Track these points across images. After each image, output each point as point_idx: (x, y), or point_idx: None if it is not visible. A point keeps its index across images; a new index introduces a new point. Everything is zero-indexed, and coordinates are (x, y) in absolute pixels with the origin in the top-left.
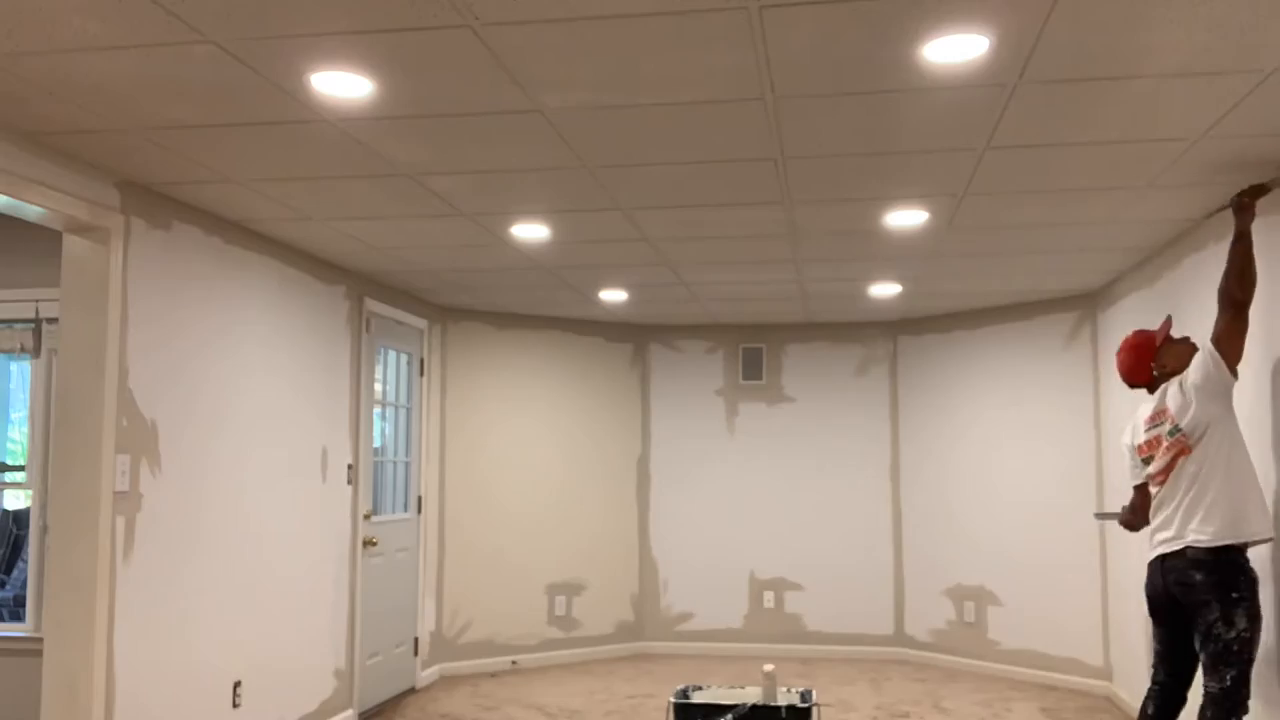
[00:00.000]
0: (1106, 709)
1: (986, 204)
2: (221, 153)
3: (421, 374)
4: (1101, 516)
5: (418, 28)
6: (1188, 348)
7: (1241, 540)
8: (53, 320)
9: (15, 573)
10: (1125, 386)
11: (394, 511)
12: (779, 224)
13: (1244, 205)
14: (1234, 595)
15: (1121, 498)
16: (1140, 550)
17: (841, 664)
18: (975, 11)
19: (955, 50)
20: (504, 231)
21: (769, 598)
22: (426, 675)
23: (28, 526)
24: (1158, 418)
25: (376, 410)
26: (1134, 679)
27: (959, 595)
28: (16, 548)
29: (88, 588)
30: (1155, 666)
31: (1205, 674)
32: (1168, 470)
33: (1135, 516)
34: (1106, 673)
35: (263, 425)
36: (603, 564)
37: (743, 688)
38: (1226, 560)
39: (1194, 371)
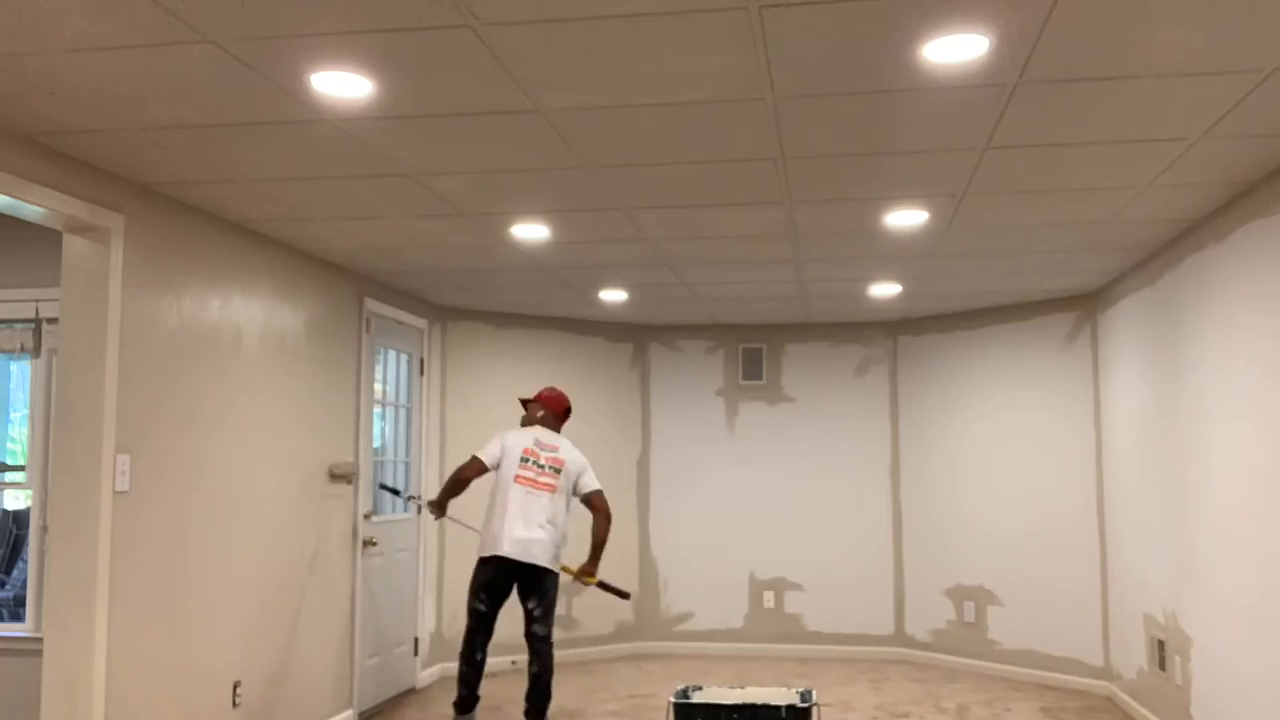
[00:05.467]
0: (1106, 709)
1: (986, 204)
2: (222, 153)
3: (421, 374)
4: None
5: (418, 28)
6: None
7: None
8: (53, 320)
9: (15, 573)
10: (1124, 386)
11: (394, 512)
12: (779, 224)
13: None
14: None
15: (1122, 497)
16: (1140, 550)
17: (841, 664)
18: (975, 11)
19: (955, 50)
20: (504, 231)
21: (769, 598)
22: (426, 675)
23: (28, 526)
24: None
25: (376, 410)
26: (1134, 678)
27: (959, 595)
28: (16, 548)
29: (88, 588)
30: None
31: None
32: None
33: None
34: (1106, 673)
35: (263, 425)
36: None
37: (743, 688)
38: None
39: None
